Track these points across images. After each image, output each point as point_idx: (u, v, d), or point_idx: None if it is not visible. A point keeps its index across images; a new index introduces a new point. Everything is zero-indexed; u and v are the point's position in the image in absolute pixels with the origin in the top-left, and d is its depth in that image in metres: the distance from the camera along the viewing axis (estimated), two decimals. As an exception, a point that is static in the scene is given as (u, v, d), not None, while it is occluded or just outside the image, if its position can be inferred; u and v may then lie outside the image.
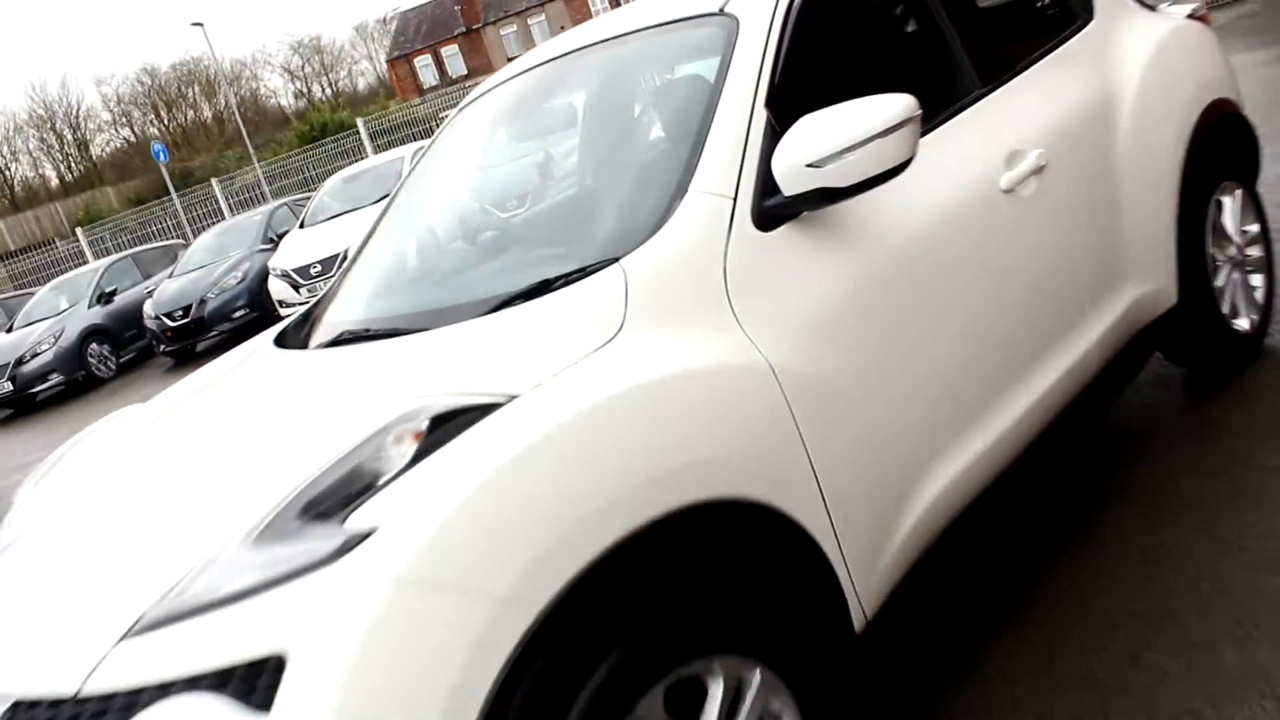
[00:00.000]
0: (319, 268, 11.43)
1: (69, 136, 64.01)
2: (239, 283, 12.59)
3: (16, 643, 1.78)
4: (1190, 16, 3.54)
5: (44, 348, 13.13)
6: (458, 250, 2.65)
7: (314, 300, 2.99)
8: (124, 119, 65.79)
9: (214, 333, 12.50)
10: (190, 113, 66.32)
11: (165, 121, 64.10)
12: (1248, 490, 2.71)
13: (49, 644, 1.68)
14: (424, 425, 1.60)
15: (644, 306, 1.86)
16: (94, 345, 13.56)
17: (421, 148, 13.38)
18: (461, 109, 3.11)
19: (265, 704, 1.41)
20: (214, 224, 17.89)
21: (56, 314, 13.81)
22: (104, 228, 22.09)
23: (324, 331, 2.58)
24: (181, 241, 16.78)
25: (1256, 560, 2.40)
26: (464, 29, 50.59)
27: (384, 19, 65.12)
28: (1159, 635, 2.27)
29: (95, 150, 64.82)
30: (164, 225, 19.01)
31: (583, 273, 1.96)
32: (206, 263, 13.31)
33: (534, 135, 2.94)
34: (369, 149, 17.33)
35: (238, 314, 12.46)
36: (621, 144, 2.55)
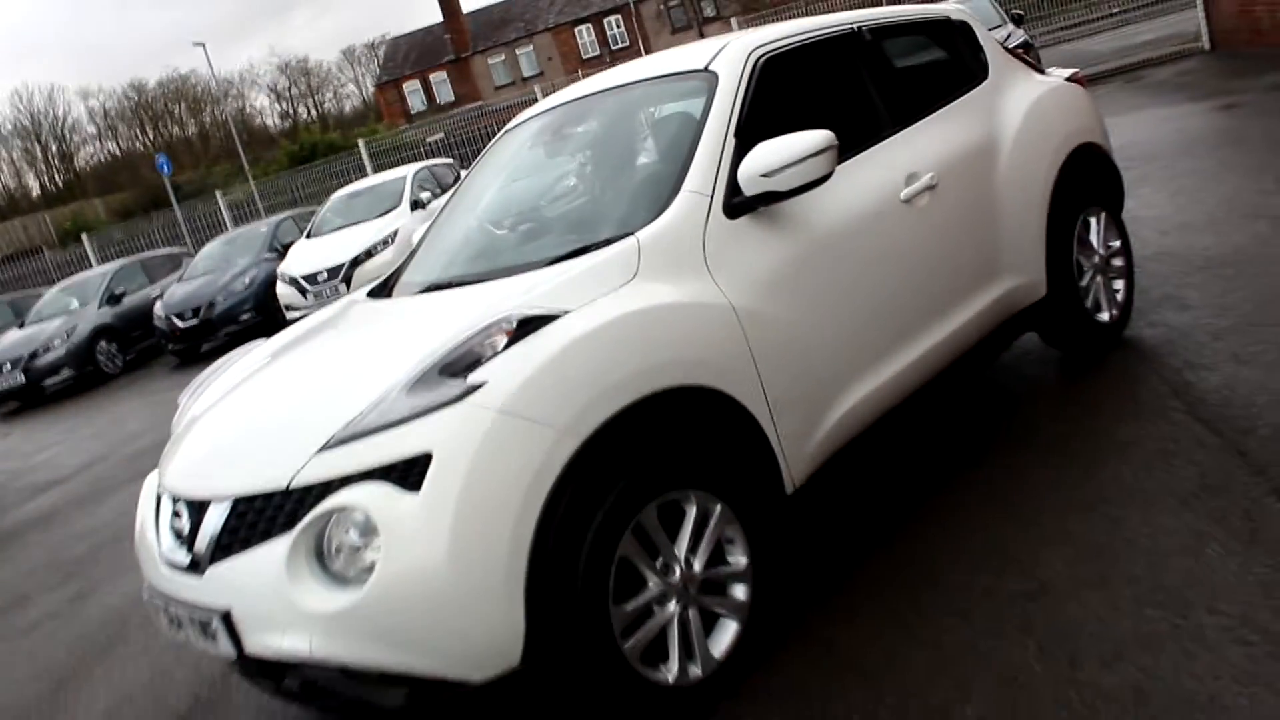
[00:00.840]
0: (325, 275, 12.31)
1: (54, 148, 64.41)
2: (246, 288, 13.43)
3: (229, 462, 2.69)
4: (1069, 79, 4.56)
5: (57, 344, 13.89)
6: (513, 230, 3.61)
7: (390, 273, 3.92)
8: (110, 132, 66.35)
9: (221, 334, 13.30)
10: (176, 129, 66.95)
11: (151, 136, 64.70)
12: (1084, 448, 3.68)
13: (259, 460, 2.59)
14: (514, 324, 2.54)
15: (650, 263, 2.81)
16: (103, 343, 14.33)
17: (423, 167, 14.29)
18: (505, 133, 4.09)
19: (416, 486, 2.33)
20: (216, 234, 18.72)
21: (67, 313, 14.58)
22: (111, 233, 22.92)
23: (407, 288, 3.52)
24: (185, 249, 17.58)
25: (1076, 499, 3.37)
26: (453, 57, 51.72)
27: (373, 43, 66.25)
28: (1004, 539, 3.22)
29: (79, 163, 65.23)
30: (167, 234, 19.83)
31: (610, 241, 2.91)
32: (214, 269, 14.14)
33: (564, 153, 3.89)
34: (369, 168, 18.23)
35: (244, 317, 13.28)
36: (633, 157, 3.51)
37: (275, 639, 2.44)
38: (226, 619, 2.52)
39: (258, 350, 3.55)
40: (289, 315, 12.57)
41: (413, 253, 3.99)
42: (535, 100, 18.35)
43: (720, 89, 3.22)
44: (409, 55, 53.63)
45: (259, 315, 13.36)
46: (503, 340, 2.52)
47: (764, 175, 2.95)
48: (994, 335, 3.88)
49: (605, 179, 3.52)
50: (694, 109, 3.24)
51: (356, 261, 12.39)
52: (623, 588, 2.55)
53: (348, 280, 12.28)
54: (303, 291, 12.39)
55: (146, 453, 8.49)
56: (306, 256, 12.77)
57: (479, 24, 52.52)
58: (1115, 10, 24.10)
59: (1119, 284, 4.55)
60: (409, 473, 2.35)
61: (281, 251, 14.11)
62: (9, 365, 13.75)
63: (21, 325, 14.99)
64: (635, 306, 2.68)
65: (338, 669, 2.44)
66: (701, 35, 48.28)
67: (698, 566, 2.70)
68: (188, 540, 2.69)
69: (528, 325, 2.55)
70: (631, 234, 2.90)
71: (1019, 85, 4.25)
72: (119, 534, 6.23)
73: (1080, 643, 2.57)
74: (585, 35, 52.09)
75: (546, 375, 2.46)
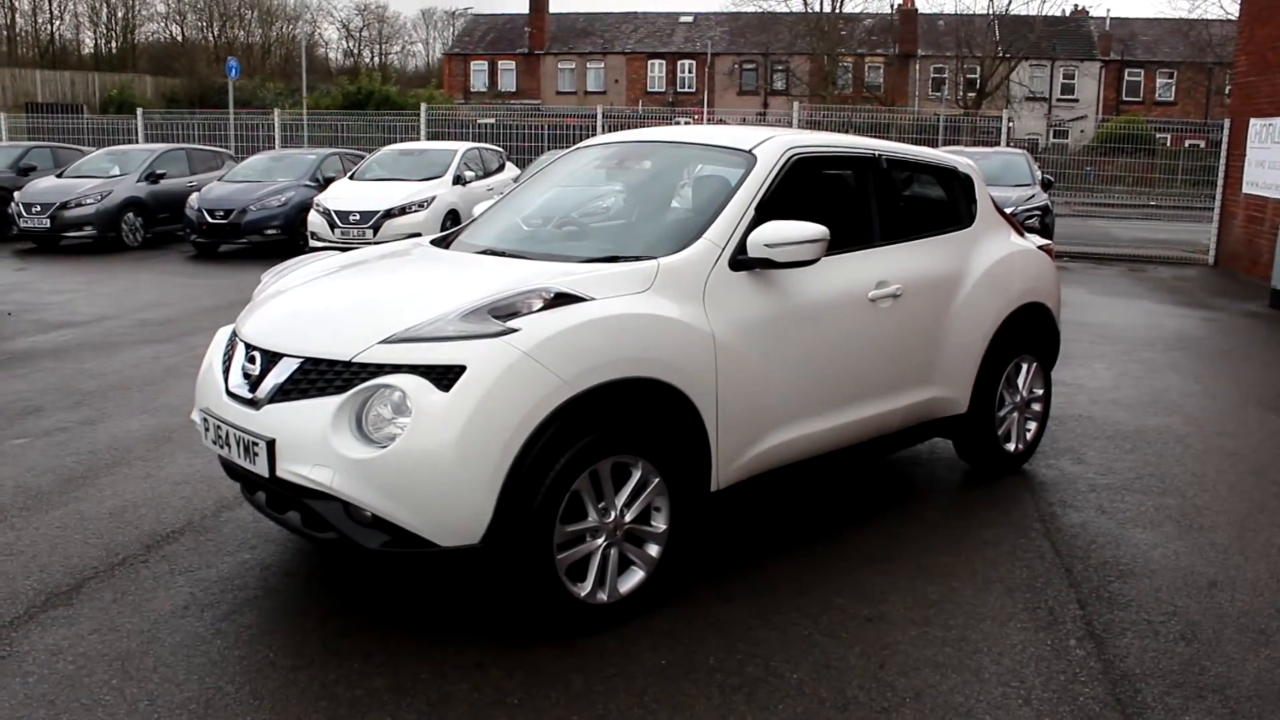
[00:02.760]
0: (358, 217, 13.10)
1: (120, 14, 64.89)
2: (280, 206, 14.18)
3: (306, 330, 3.45)
4: (1041, 248, 5.43)
5: (88, 201, 14.56)
6: (561, 226, 4.44)
7: (457, 229, 4.72)
8: (178, 17, 67.00)
9: (244, 240, 14.05)
10: (241, 33, 67.62)
11: (216, 33, 65.39)
12: (950, 534, 4.50)
13: (332, 334, 3.36)
14: (551, 295, 3.34)
15: (662, 283, 3.61)
16: (130, 214, 15.02)
17: (473, 147, 15.07)
18: (578, 149, 4.93)
19: (447, 387, 3.11)
20: (258, 147, 19.46)
21: (107, 176, 15.27)
22: (168, 117, 23.64)
23: (466, 246, 4.33)
24: (230, 151, 18.31)
25: (929, 566, 4.18)
26: (526, 50, 52.85)
27: (455, 13, 67.35)
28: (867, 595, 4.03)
29: (139, 37, 65.75)
30: (211, 134, 20.58)
31: (638, 259, 3.72)
32: (255, 179, 14.89)
33: (619, 179, 4.72)
34: (424, 133, 19.06)
35: (270, 231, 14.04)
36: (672, 199, 4.33)
37: (305, 469, 3.20)
38: (271, 445, 3.28)
39: (333, 258, 4.33)
40: (312, 243, 13.33)
41: (471, 221, 4.80)
42: (594, 117, 19.40)
43: (756, 169, 4.06)
44: (486, 35, 54.74)
45: (283, 234, 14.11)
46: (539, 303, 3.32)
47: (767, 245, 3.78)
48: (911, 429, 4.70)
49: (644, 209, 4.34)
50: (731, 178, 4.07)
51: (389, 214, 13.19)
52: (569, 514, 3.33)
53: (376, 228, 13.08)
54: (332, 226, 13.16)
55: (157, 323, 9.22)
56: (346, 195, 13.55)
57: (561, 27, 53.78)
58: (1151, 203, 25.28)
59: (1032, 425, 5.39)
60: (444, 376, 3.13)
61: (322, 183, 14.88)
62: (39, 208, 14.42)
63: (60, 175, 15.64)
64: (641, 310, 3.49)
65: (342, 505, 3.21)
66: (766, 105, 49.64)
67: (628, 518, 3.49)
68: (255, 381, 3.46)
69: (561, 299, 3.36)
70: (654, 258, 3.71)
71: (996, 239, 5.11)
72: (127, 382, 6.96)
73: (892, 655, 3.37)
74: (656, 69, 53.31)
75: (565, 338, 3.26)
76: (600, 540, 3.44)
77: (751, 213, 3.95)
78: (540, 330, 3.24)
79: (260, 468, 3.34)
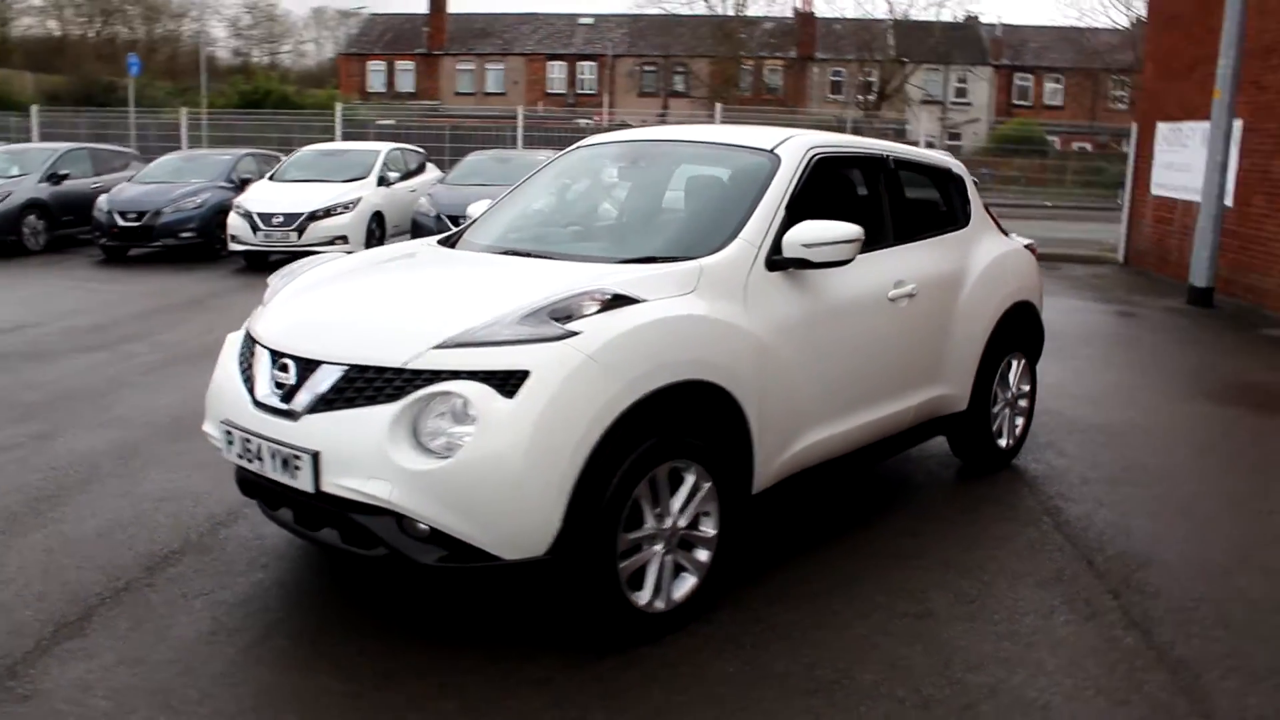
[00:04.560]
0: (281, 219, 12.67)
1: (-10, 8, 61.69)
2: (196, 208, 13.62)
3: (345, 336, 3.28)
4: (1026, 247, 5.53)
5: (-15, 204, 13.77)
6: (584, 225, 4.33)
7: (459, 229, 4.57)
8: (55, 10, 64.02)
9: (157, 244, 13.46)
10: (124, 29, 65.00)
11: (98, 28, 62.72)
12: (967, 530, 4.54)
13: (376, 341, 3.20)
14: (608, 296, 3.24)
15: (706, 284, 3.54)
16: (32, 217, 14.24)
17: (395, 148, 14.76)
18: (578, 148, 4.82)
19: (511, 393, 2.99)
20: (166, 148, 18.72)
21: (6, 177, 14.45)
22: (64, 114, 22.55)
23: (476, 245, 4.19)
24: (134, 152, 17.54)
25: (957, 562, 4.21)
26: (424, 50, 52.02)
27: (348, 12, 65.91)
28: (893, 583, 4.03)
29: (15, 31, 62.63)
30: (112, 133, 19.71)
31: (674, 259, 3.64)
32: (167, 181, 14.28)
33: (636, 179, 4.62)
34: (339, 133, 18.61)
35: (185, 234, 13.47)
36: (699, 200, 4.25)
37: (358, 482, 3.04)
38: (316, 459, 3.11)
39: (341, 261, 4.14)
40: (233, 246, 12.88)
41: (474, 220, 4.66)
42: (497, 117, 19.15)
43: (782, 169, 4.02)
44: (383, 35, 53.69)
45: (199, 238, 13.59)
46: (596, 305, 3.21)
47: (804, 245, 3.74)
48: (919, 427, 4.72)
49: (670, 209, 4.26)
50: (756, 178, 4.02)
51: (314, 216, 12.80)
52: (629, 521, 3.23)
53: (301, 230, 12.69)
54: (254, 228, 12.72)
55: (84, 330, 8.74)
56: (267, 197, 13.10)
57: (459, 27, 53.05)
58: (1047, 204, 26.20)
59: (1019, 420, 5.48)
60: (507, 381, 3.01)
61: (238, 184, 14.37)
62: (-71, 209, 13.57)
63: (-48, 176, 14.76)
64: (693, 312, 3.41)
65: (396, 520, 3.05)
66: (666, 106, 49.85)
67: (682, 524, 3.41)
68: (289, 390, 3.27)
69: (617, 300, 3.26)
70: (695, 259, 3.64)
71: (989, 238, 5.18)
72: (72, 393, 6.58)
73: (954, 652, 3.36)
74: (557, 71, 53.03)
75: (626, 340, 3.17)
76: (658, 547, 3.36)
77: (783, 212, 3.91)
78: (602, 333, 3.14)
79: (302, 482, 3.15)
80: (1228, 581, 4.02)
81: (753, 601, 3.69)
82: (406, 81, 51.94)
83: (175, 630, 3.43)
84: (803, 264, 3.80)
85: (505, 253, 4.03)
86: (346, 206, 13.06)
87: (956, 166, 5.20)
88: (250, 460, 3.34)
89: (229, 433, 3.42)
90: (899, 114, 43.57)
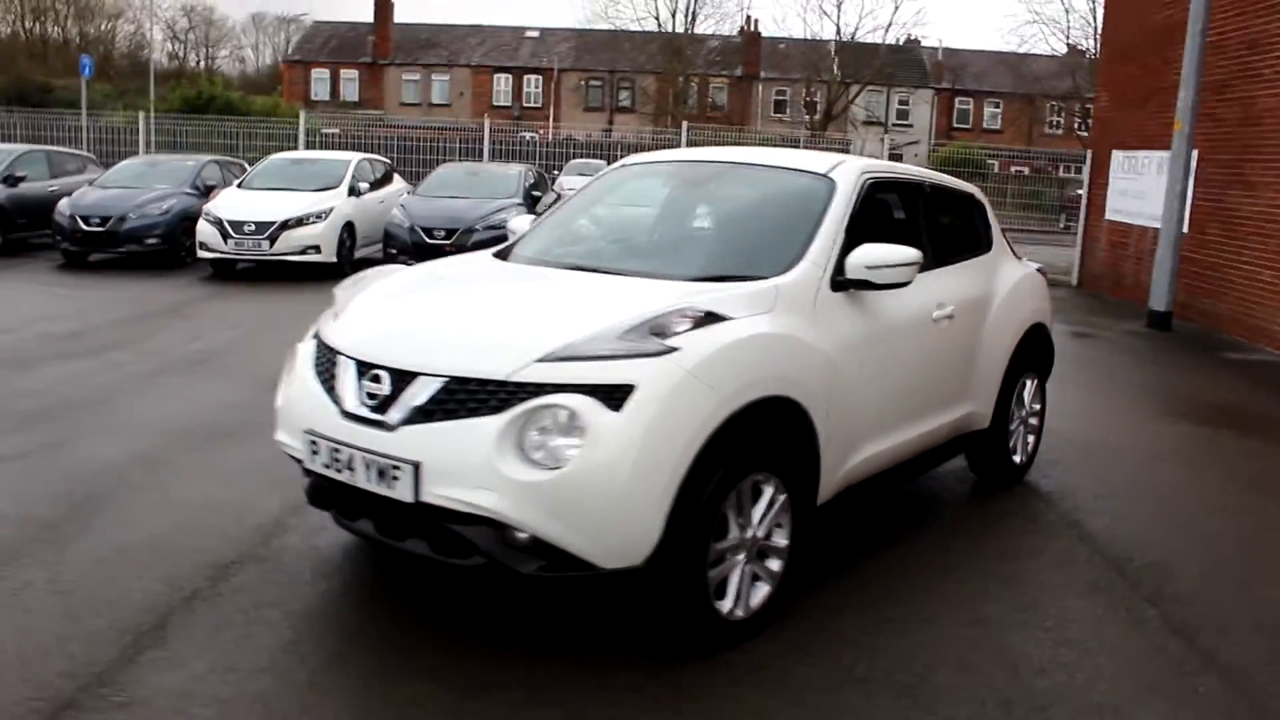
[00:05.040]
0: (253, 227, 12.54)
1: (-88, 3, 59.81)
2: (162, 214, 13.40)
3: (441, 348, 3.33)
4: (1038, 270, 5.75)
5: (-61, 205, 13.41)
6: (649, 243, 4.43)
7: (510, 243, 4.64)
8: (-18, 10, 62.21)
9: (122, 249, 13.22)
10: (56, 29, 63.44)
11: (29, 26, 61.14)
12: (1001, 544, 4.72)
13: (476, 354, 3.26)
14: (701, 313, 3.34)
15: (781, 304, 3.67)
16: (-13, 221, 13.91)
17: (364, 158, 14.65)
18: (623, 165, 4.93)
19: (618, 406, 3.08)
20: (119, 152, 18.40)
21: (-41, 179, 14.09)
22: (10, 115, 21.97)
23: (542, 260, 4.27)
24: (92, 155, 17.19)
25: (998, 573, 4.38)
26: (370, 60, 51.64)
27: (289, 18, 65.13)
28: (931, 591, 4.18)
29: (-61, 29, 60.72)
30: (67, 136, 19.31)
31: (744, 279, 3.75)
32: (131, 186, 14.03)
33: (696, 199, 4.72)
34: (303, 142, 18.45)
35: (151, 240, 13.24)
36: (763, 221, 4.35)
37: (463, 493, 3.09)
38: (417, 469, 3.16)
39: (407, 273, 4.19)
40: (201, 254, 12.71)
41: (524, 235, 4.73)
42: (444, 129, 19.10)
43: (839, 193, 4.17)
44: (328, 43, 53.18)
45: (165, 244, 13.36)
46: (689, 323, 3.32)
47: (868, 267, 3.89)
48: (949, 444, 4.89)
49: (736, 230, 4.37)
50: (815, 200, 4.16)
51: (287, 225, 12.68)
52: (716, 532, 3.33)
53: (273, 239, 12.57)
54: (225, 236, 12.55)
55: (62, 337, 8.59)
56: (238, 204, 12.94)
57: (405, 37, 52.76)
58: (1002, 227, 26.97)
59: (1031, 438, 5.69)
60: (613, 395, 3.09)
61: (203, 191, 14.19)
62: (-118, 212, 13.18)
63: (-98, 177, 14.34)
64: (775, 330, 3.54)
65: (495, 530, 3.11)
66: (611, 121, 50.13)
67: (760, 535, 3.52)
68: (383, 401, 3.31)
69: (709, 318, 3.37)
70: (769, 278, 3.76)
71: (1009, 263, 5.39)
72: (68, 402, 6.46)
73: (1018, 658, 3.52)
74: (502, 84, 53.02)
75: (721, 357, 3.28)
76: (740, 557, 3.46)
77: (843, 235, 4.05)
78: (700, 349, 3.25)
79: (400, 493, 3.20)
80: (1252, 591, 4.24)
81: (813, 611, 3.81)
82: (351, 90, 51.48)
83: (257, 639, 3.44)
84: (865, 285, 3.95)
85: (573, 268, 4.11)
86: (319, 216, 12.95)
87: (978, 193, 5.40)
88: (339, 470, 3.37)
89: (314, 443, 3.45)
90: (843, 134, 44.39)
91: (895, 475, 4.50)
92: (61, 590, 3.76)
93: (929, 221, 4.76)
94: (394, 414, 3.26)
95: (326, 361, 3.62)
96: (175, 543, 4.24)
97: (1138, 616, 3.93)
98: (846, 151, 35.48)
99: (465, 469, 3.10)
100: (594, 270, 4.06)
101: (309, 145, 19.31)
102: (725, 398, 3.25)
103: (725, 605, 3.42)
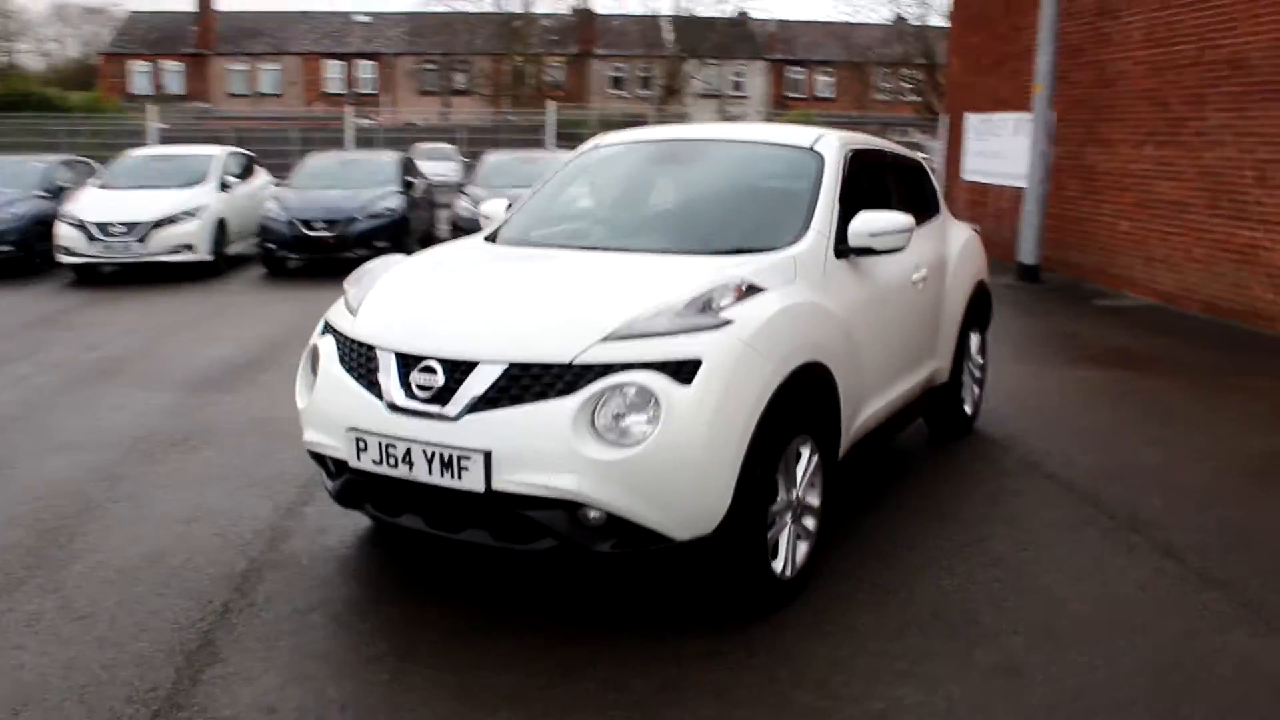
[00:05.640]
0: (122, 228, 11.90)
1: None
2: (15, 220, 12.53)
3: (493, 335, 3.31)
4: (974, 230, 6.07)
5: None
6: (652, 220, 4.48)
7: (498, 226, 4.62)
8: None
9: (-29, 258, 12.34)
10: None
11: None
12: (985, 489, 4.99)
13: (532, 338, 3.26)
14: (745, 285, 3.43)
15: (801, 274, 3.79)
16: None
17: (230, 152, 14.05)
18: (599, 146, 4.95)
19: (687, 381, 3.14)
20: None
21: None
22: None
23: (546, 242, 4.33)
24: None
25: (992, 515, 4.64)
26: (193, 50, 49.21)
27: (92, 9, 61.27)
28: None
29: None
30: None
31: (768, 249, 3.86)
32: (-32, 190, 13.09)
33: (687, 177, 4.74)
34: (156, 138, 17.52)
35: (4, 248, 12.38)
36: (760, 195, 4.44)
37: (541, 477, 3.10)
38: (487, 458, 3.14)
39: (414, 261, 4.14)
40: (63, 259, 12.02)
41: (508, 220, 4.71)
42: (277, 119, 18.36)
43: (828, 165, 4.31)
44: (148, 35, 50.32)
45: (18, 251, 12.54)
46: (734, 296, 3.40)
47: (871, 234, 4.05)
48: (921, 398, 5.13)
49: (739, 205, 4.42)
50: (807, 173, 4.29)
51: (158, 224, 12.09)
52: (770, 495, 3.45)
53: (144, 239, 11.97)
54: (90, 239, 11.89)
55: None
56: (102, 205, 12.28)
57: (229, 26, 50.44)
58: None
59: (976, 389, 6.01)
60: (680, 370, 3.15)
61: (54, 192, 13.37)
62: None
63: None
64: (805, 299, 3.66)
65: (569, 512, 3.14)
66: (448, 104, 49.32)
67: (800, 495, 3.65)
68: (439, 392, 3.27)
69: (750, 290, 3.46)
70: (783, 249, 3.88)
71: (953, 225, 5.68)
72: (15, 415, 6.07)
73: (1042, 592, 3.76)
74: (334, 70, 51.41)
75: (769, 327, 3.38)
76: (788, 518, 3.58)
77: (836, 205, 4.20)
78: (751, 320, 3.34)
79: (470, 483, 3.18)
80: (1211, 514, 4.62)
81: (840, 565, 3.96)
82: (175, 83, 48.96)
83: (315, 646, 3.37)
84: (867, 251, 4.11)
85: (588, 249, 4.14)
86: (191, 213, 12.39)
87: (924, 160, 5.64)
88: (393, 465, 3.32)
89: (359, 441, 3.38)
90: (681, 108, 44.97)
91: (883, 432, 4.70)
92: (81, 617, 3.57)
93: (895, 188, 4.97)
94: (454, 405, 3.24)
95: (359, 357, 3.54)
96: (177, 558, 4.07)
97: (1127, 544, 4.25)
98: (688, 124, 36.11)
99: (541, 453, 3.11)
100: (611, 249, 4.10)
101: (141, 142, 18.31)
102: (776, 366, 3.36)
103: (778, 566, 3.54)
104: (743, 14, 52.29)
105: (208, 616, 3.57)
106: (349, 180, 13.70)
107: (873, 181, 4.81)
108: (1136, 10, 11.45)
